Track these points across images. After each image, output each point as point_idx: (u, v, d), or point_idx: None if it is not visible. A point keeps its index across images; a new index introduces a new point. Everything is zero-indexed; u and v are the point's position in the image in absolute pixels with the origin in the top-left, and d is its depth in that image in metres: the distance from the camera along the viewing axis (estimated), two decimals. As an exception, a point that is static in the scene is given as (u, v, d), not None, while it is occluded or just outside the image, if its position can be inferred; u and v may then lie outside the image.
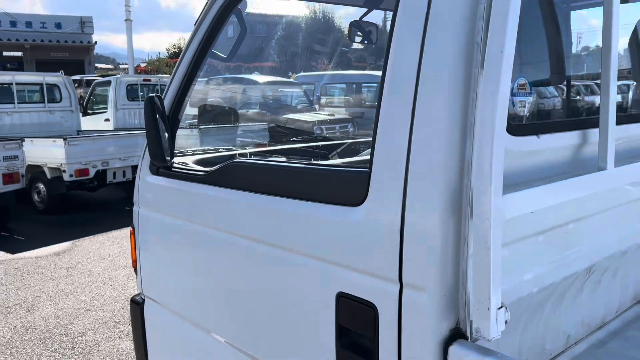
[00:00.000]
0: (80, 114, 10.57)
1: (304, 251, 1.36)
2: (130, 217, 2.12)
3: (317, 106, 10.11)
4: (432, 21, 1.08)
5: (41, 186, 8.13)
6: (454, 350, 1.06)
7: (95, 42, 33.24)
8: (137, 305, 2.20)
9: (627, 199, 1.64)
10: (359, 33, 2.17)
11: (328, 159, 2.01)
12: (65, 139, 7.54)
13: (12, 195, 7.19)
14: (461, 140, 1.06)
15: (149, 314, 2.13)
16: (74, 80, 12.79)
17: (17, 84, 9.48)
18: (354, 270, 1.24)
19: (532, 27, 1.43)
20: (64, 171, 7.61)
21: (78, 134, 9.53)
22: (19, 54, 30.65)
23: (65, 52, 31.45)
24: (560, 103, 1.55)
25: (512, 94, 1.25)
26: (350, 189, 1.25)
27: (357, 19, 2.21)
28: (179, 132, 1.94)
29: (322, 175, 1.38)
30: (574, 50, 1.52)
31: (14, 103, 9.36)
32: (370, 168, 1.20)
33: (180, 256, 1.88)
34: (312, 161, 1.66)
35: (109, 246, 6.31)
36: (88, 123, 10.95)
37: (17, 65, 29.69)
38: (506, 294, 1.34)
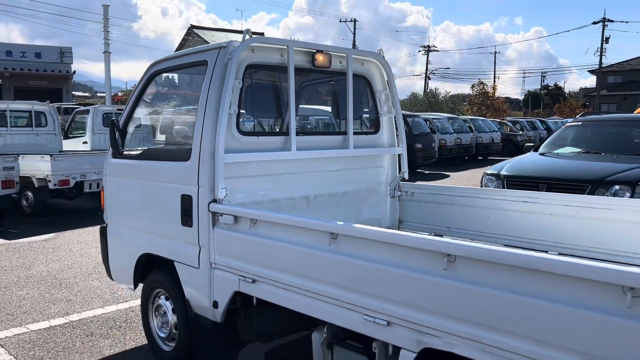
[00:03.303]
0: (62, 138, 12.52)
1: (168, 181, 3.45)
2: (102, 220, 4.16)
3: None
4: (210, 100, 3.21)
5: (29, 194, 10.02)
6: (212, 205, 3.15)
7: (74, 72, 34.28)
8: (103, 229, 4.24)
9: (314, 168, 3.76)
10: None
11: (180, 144, 4.14)
12: (51, 156, 9.52)
13: (8, 199, 9.10)
14: (214, 135, 3.17)
15: (109, 231, 4.17)
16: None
17: (10, 110, 11.45)
18: (185, 184, 3.32)
19: (267, 95, 3.58)
20: (50, 181, 9.52)
21: (60, 153, 11.45)
22: (-4, 81, 31.79)
23: (43, 81, 32.03)
24: (272, 125, 3.73)
25: (243, 121, 3.39)
26: (184, 155, 3.34)
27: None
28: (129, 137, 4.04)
29: (176, 150, 3.49)
30: (284, 106, 3.66)
31: (7, 126, 11.31)
32: (192, 146, 3.30)
33: (123, 194, 3.96)
34: (175, 147, 3.79)
35: (85, 236, 8.24)
36: (68, 145, 12.88)
37: (-5, 92, 30.86)
38: (248, 196, 3.45)
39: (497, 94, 55.65)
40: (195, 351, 3.51)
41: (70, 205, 11.09)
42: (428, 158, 18.82)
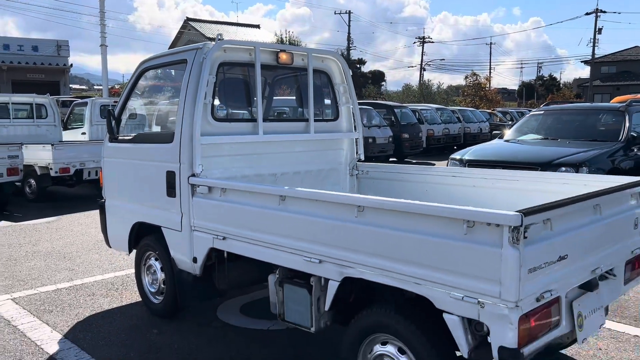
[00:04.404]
0: (62, 129, 13.19)
1: (156, 160, 4.14)
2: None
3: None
4: (188, 92, 3.90)
5: (32, 181, 10.70)
6: (191, 178, 3.84)
7: (71, 65, 34.56)
8: (102, 204, 4.94)
9: (280, 150, 4.44)
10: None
11: (165, 129, 4.82)
12: (52, 145, 10.20)
13: (13, 185, 9.79)
14: (192, 121, 3.85)
15: (107, 206, 4.87)
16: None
17: (12, 103, 12.11)
18: (170, 162, 4.01)
19: (238, 87, 4.26)
20: (51, 169, 10.21)
21: (60, 143, 12.11)
22: (-6, 74, 32.12)
23: (41, 74, 32.22)
24: (243, 113, 4.41)
25: (218, 110, 4.07)
26: (169, 138, 4.03)
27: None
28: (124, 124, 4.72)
29: (162, 134, 4.19)
30: (253, 96, 4.34)
31: (10, 118, 11.97)
32: (174, 131, 3.99)
33: (118, 173, 4.65)
34: (161, 131, 4.47)
35: (85, 219, 8.94)
36: (68, 136, 13.54)
37: (-7, 85, 31.23)
38: (223, 172, 4.15)
39: (494, 85, 56.15)
40: (179, 301, 4.22)
41: (70, 192, 11.78)
42: (415, 147, 19.53)
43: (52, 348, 3.86)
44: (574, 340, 2.84)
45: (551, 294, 2.34)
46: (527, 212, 2.15)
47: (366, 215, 2.68)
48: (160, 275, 4.36)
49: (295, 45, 47.96)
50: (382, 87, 60.65)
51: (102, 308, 4.69)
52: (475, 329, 2.38)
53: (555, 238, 2.35)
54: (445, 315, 2.40)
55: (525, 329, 2.22)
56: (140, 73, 4.54)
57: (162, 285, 4.37)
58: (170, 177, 4.00)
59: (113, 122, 4.58)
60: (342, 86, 4.83)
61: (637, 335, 4.01)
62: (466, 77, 53.09)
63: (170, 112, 4.47)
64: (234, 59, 4.14)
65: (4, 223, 8.66)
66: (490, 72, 63.66)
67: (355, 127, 4.95)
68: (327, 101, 4.94)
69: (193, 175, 3.84)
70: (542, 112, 9.38)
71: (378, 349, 2.78)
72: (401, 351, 2.67)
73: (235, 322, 4.34)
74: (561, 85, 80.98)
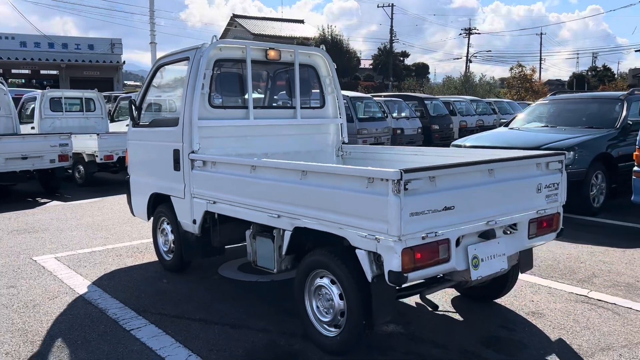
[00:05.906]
0: (109, 121, 14.48)
1: (166, 140, 5.02)
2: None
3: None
4: (189, 84, 4.75)
5: (81, 167, 11.96)
6: (191, 155, 4.69)
7: (124, 62, 36.28)
8: (127, 179, 5.88)
9: (271, 133, 5.24)
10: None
11: (173, 115, 5.71)
12: (98, 135, 11.40)
13: (63, 170, 11.04)
14: (192, 108, 4.69)
15: (131, 181, 5.80)
16: (105, 96, 16.68)
17: (65, 97, 13.46)
18: (175, 142, 4.87)
19: (232, 80, 5.07)
20: (97, 156, 11.42)
21: (105, 133, 13.35)
22: (54, 72, 34.21)
23: (96, 71, 33.98)
24: (238, 102, 5.21)
25: (214, 98, 4.90)
26: (175, 122, 4.89)
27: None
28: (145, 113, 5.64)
29: (170, 119, 5.07)
30: (246, 90, 5.13)
31: (62, 111, 13.31)
32: (179, 115, 4.85)
33: (139, 152, 5.57)
34: (169, 117, 5.36)
35: (124, 200, 9.99)
36: (114, 128, 14.82)
37: (53, 82, 33.16)
38: (219, 151, 4.99)
39: (549, 76, 54.94)
40: (184, 257, 5.10)
41: (113, 178, 13.01)
42: (445, 138, 19.91)
43: (82, 290, 4.82)
44: (499, 291, 3.59)
45: (436, 235, 3.03)
46: (406, 170, 2.85)
47: (307, 178, 3.44)
48: (171, 237, 5.25)
49: (337, 41, 48.37)
50: (431, 80, 60.43)
51: (126, 265, 5.64)
52: (377, 260, 3.10)
53: (439, 192, 3.04)
54: (357, 251, 3.13)
55: (409, 258, 2.93)
56: (156, 69, 5.43)
57: (172, 245, 5.26)
58: (176, 154, 4.86)
59: (135, 111, 5.49)
60: (327, 78, 5.57)
61: (572, 292, 4.58)
62: (511, 69, 52.31)
63: (178, 101, 5.32)
64: (229, 56, 4.95)
65: (55, 202, 9.88)
66: (540, 63, 62.40)
67: (340, 114, 5.68)
68: (314, 90, 5.69)
69: (192, 152, 4.69)
70: (547, 101, 9.78)
71: (317, 281, 3.54)
72: (332, 282, 3.43)
73: (231, 276, 5.19)
74: (616, 75, 78.07)
